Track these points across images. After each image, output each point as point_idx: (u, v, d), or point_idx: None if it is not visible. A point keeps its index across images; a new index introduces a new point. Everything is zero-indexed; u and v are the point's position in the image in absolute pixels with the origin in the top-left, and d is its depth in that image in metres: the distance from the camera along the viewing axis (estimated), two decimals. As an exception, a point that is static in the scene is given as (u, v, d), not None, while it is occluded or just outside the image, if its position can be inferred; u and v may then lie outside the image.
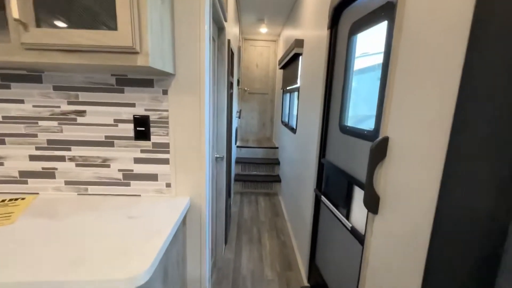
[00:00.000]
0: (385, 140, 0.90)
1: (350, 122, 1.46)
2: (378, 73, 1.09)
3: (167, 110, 1.08)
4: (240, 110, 4.57)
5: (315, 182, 1.81)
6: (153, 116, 1.09)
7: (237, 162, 3.95)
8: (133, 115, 1.08)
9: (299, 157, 2.43)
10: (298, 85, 2.59)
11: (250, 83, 4.64)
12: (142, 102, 1.07)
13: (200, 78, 1.06)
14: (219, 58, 1.82)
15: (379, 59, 1.13)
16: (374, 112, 1.13)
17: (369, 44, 1.28)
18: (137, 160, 1.12)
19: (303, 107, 2.32)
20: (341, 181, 1.44)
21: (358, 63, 1.39)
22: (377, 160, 0.92)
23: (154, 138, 1.10)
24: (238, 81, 3.87)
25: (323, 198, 1.62)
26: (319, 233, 1.81)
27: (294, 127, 2.75)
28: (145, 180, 1.14)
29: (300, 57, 2.49)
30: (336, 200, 1.49)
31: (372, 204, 0.95)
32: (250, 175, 3.93)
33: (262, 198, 3.59)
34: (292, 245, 2.40)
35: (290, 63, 2.98)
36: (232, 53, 2.38)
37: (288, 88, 3.28)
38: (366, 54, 1.29)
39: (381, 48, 1.05)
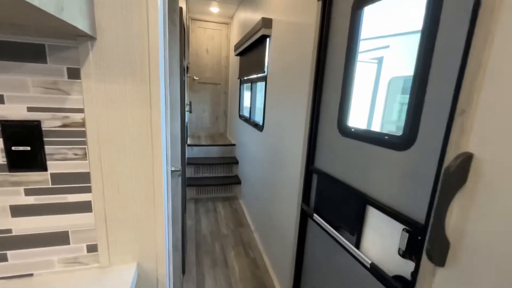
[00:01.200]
0: (467, 159, 0.57)
1: (353, 122, 1.13)
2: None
3: (81, 110, 0.55)
4: (190, 103, 3.95)
5: (301, 195, 1.46)
6: (49, 123, 0.54)
7: (188, 163, 3.38)
8: (0, 121, 0.51)
9: (270, 160, 2.06)
10: (264, 73, 2.19)
11: (200, 71, 4.04)
12: (19, 94, 0.51)
13: (149, 48, 0.55)
14: (170, 29, 1.27)
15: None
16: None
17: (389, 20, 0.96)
18: (19, 210, 0.56)
19: (274, 101, 1.94)
20: (346, 198, 1.11)
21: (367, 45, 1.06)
22: (454, 189, 0.59)
23: (54, 166, 0.56)
24: (187, 68, 3.26)
25: (316, 217, 1.29)
26: (306, 256, 1.49)
27: (260, 124, 2.36)
28: (41, 245, 0.59)
29: (268, 39, 2.09)
30: (338, 222, 1.17)
31: (438, 251, 0.63)
32: (204, 178, 3.42)
33: (221, 204, 3.13)
34: (265, 263, 2.05)
35: (252, 48, 2.55)
36: (185, 29, 1.82)
37: (248, 77, 2.86)
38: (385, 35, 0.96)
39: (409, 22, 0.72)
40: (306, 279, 1.49)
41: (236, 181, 3.37)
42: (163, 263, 0.69)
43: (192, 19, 3.87)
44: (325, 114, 1.28)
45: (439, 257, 0.63)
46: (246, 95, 3.20)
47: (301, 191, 1.46)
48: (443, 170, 0.60)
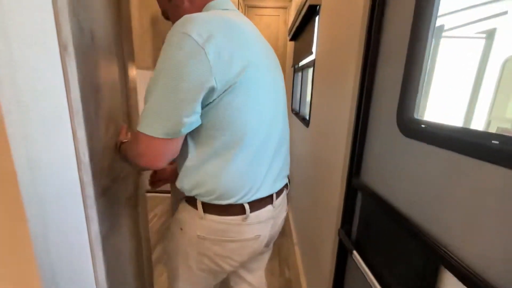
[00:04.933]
0: None
1: (430, 116, 0.67)
2: None
3: None
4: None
5: (340, 218, 1.05)
6: None
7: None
8: None
9: (313, 165, 1.66)
10: (313, 56, 1.78)
11: (255, 62, 3.81)
12: None
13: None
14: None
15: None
16: None
17: None
18: None
19: (321, 89, 1.52)
20: (405, 243, 0.67)
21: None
22: None
23: None
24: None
25: (356, 256, 0.87)
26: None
27: (307, 118, 1.96)
28: None
29: (317, 11, 1.66)
30: (389, 276, 0.73)
31: None
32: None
33: (266, 206, 2.86)
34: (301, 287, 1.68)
35: (303, 27, 2.14)
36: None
37: (300, 64, 2.46)
38: None
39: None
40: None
41: (284, 182, 3.03)
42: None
43: (248, 6, 3.66)
44: (378, 102, 0.83)
45: None
46: (298, 85, 2.81)
47: (340, 213, 1.04)
48: None
